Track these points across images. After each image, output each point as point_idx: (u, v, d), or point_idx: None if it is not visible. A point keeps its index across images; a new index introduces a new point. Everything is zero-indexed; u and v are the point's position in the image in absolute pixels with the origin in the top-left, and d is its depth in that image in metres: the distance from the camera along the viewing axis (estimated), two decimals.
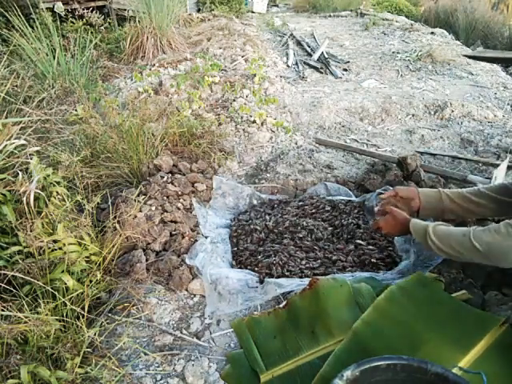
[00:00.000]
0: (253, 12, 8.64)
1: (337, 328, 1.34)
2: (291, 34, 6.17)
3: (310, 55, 5.08)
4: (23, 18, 3.53)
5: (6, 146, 1.57)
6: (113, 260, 1.66)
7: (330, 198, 2.18)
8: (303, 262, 1.74)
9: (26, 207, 1.42)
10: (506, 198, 1.45)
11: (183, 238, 1.86)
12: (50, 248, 1.41)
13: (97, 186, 2.15)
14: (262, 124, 3.04)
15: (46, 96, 2.95)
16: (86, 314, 1.36)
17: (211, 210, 2.13)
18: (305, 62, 4.84)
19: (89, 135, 2.38)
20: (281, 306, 1.50)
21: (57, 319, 1.29)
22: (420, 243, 1.49)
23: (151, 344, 1.44)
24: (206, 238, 1.89)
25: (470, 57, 1.52)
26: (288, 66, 4.77)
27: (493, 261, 1.22)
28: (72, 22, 4.80)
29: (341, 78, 4.34)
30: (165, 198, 2.05)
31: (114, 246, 1.63)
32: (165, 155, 2.39)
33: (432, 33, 5.83)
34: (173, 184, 2.16)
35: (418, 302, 1.32)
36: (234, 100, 3.31)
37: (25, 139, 1.69)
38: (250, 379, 1.30)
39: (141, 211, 1.87)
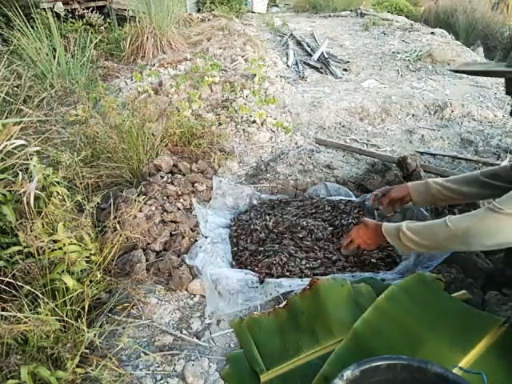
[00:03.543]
0: (253, 12, 8.65)
1: (337, 328, 1.34)
2: (291, 34, 6.17)
3: (310, 55, 5.08)
4: (24, 18, 3.54)
5: (5, 146, 1.57)
6: (113, 260, 1.66)
7: (329, 198, 2.18)
8: (303, 262, 1.74)
9: (26, 207, 1.42)
10: (497, 182, 1.48)
11: (183, 238, 1.86)
12: (50, 248, 1.41)
13: (97, 185, 2.15)
14: (262, 124, 3.04)
15: (46, 96, 2.95)
16: (86, 314, 1.36)
17: (211, 209, 2.13)
18: (305, 62, 4.84)
19: (89, 135, 2.38)
20: (281, 305, 1.50)
21: (57, 319, 1.29)
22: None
23: (151, 344, 1.44)
24: (206, 237, 1.89)
25: (456, 71, 1.56)
26: (288, 66, 4.77)
27: (470, 244, 1.19)
28: (72, 22, 4.81)
29: (341, 78, 4.34)
30: (165, 197, 2.05)
31: (114, 246, 1.62)
32: (165, 155, 2.39)
33: (432, 33, 5.82)
34: (173, 184, 2.16)
35: (418, 302, 1.32)
36: (234, 100, 3.31)
37: (25, 139, 1.69)
38: (250, 379, 1.30)
39: (141, 211, 1.87)
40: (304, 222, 1.93)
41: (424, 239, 1.30)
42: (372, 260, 1.74)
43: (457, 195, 1.56)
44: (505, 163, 1.55)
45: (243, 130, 2.98)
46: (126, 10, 5.50)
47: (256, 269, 1.72)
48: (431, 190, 1.59)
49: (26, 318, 1.20)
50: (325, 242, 1.87)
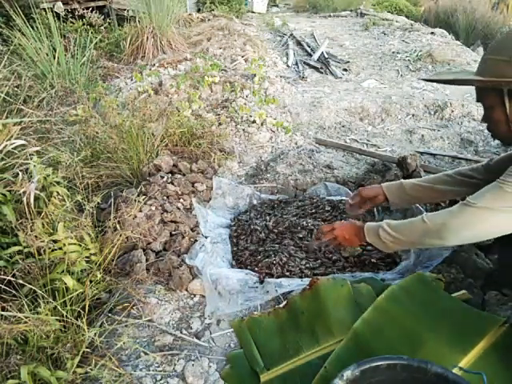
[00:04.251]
0: (253, 12, 8.65)
1: (337, 328, 1.34)
2: (291, 34, 6.17)
3: (310, 55, 5.08)
4: (24, 18, 3.54)
5: (5, 146, 1.57)
6: (113, 260, 1.66)
7: (330, 197, 2.18)
8: (303, 262, 1.74)
9: (26, 207, 1.42)
10: (473, 180, 1.51)
11: (183, 238, 1.86)
12: (50, 248, 1.41)
13: (97, 185, 2.14)
14: (261, 124, 3.04)
15: (46, 96, 2.95)
16: (86, 314, 1.36)
17: (211, 209, 2.13)
18: (305, 62, 4.84)
19: (89, 135, 2.38)
20: (281, 305, 1.50)
21: (57, 319, 1.29)
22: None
23: (151, 344, 1.44)
24: (206, 237, 1.89)
25: (426, 80, 1.59)
26: (288, 65, 4.77)
27: (446, 238, 1.22)
28: (72, 22, 4.81)
29: (341, 78, 4.34)
30: (165, 197, 2.05)
31: (114, 246, 1.62)
32: (165, 155, 2.39)
33: (432, 33, 5.82)
34: (173, 184, 2.16)
35: (418, 302, 1.32)
36: (234, 100, 3.31)
37: (25, 139, 1.69)
38: (250, 379, 1.30)
39: (141, 211, 1.87)
40: (304, 222, 1.93)
41: (402, 235, 1.32)
42: (372, 260, 1.74)
43: (435, 193, 1.58)
44: (485, 162, 1.58)
45: (243, 130, 2.98)
46: (125, 9, 5.50)
47: (256, 269, 1.72)
48: (406, 190, 1.60)
49: (26, 317, 1.20)
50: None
